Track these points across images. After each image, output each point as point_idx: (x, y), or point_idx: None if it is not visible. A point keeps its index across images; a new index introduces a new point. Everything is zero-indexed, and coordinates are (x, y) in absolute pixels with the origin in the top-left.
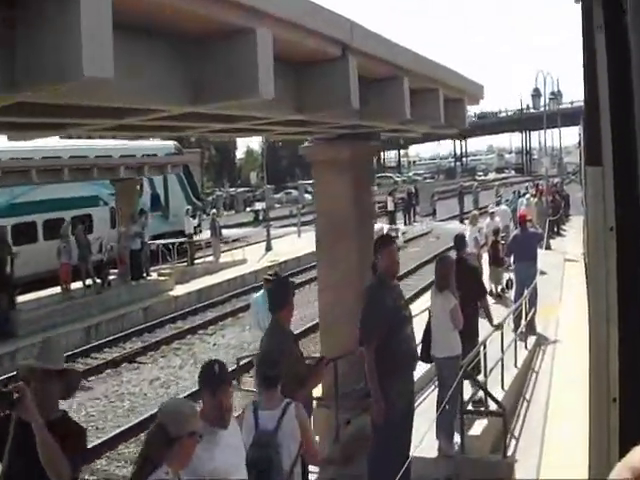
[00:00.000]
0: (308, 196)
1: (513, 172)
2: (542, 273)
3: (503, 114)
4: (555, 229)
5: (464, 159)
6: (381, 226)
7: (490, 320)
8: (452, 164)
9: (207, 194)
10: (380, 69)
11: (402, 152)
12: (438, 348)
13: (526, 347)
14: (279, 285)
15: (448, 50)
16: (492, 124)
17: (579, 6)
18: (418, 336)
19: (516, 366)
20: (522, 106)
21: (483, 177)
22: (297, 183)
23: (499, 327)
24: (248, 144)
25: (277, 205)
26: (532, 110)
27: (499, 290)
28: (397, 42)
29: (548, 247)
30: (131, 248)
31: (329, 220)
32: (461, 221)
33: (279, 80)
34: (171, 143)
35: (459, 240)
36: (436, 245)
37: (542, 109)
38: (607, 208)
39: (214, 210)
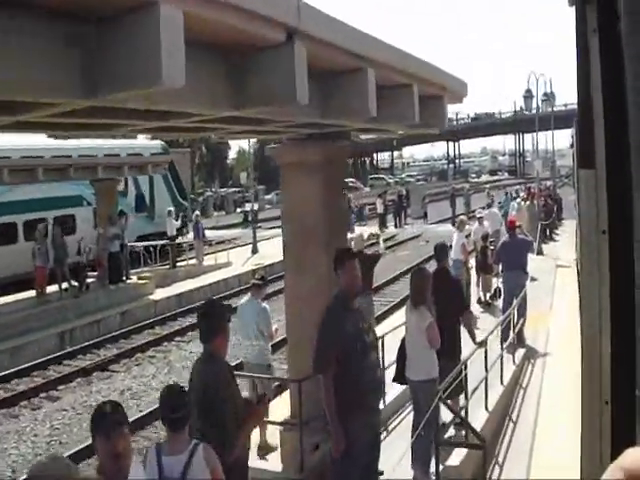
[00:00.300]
0: None
1: (506, 174)
2: (533, 279)
3: (497, 116)
4: (547, 233)
5: (457, 161)
6: (360, 232)
7: (472, 337)
8: (445, 166)
9: (198, 194)
10: (338, 59)
11: (396, 153)
12: (413, 370)
13: (514, 361)
14: (211, 311)
15: (441, 50)
16: (485, 126)
17: (573, 9)
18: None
19: (502, 383)
20: (515, 108)
21: (476, 179)
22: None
23: (482, 345)
24: (239, 144)
25: (268, 206)
26: (525, 112)
27: (488, 298)
28: (366, 31)
29: (540, 252)
30: (109, 251)
31: (297, 226)
32: (453, 224)
33: (204, 68)
34: (158, 143)
35: (439, 250)
36: (426, 249)
37: (534, 111)
38: (600, 211)
39: (197, 212)
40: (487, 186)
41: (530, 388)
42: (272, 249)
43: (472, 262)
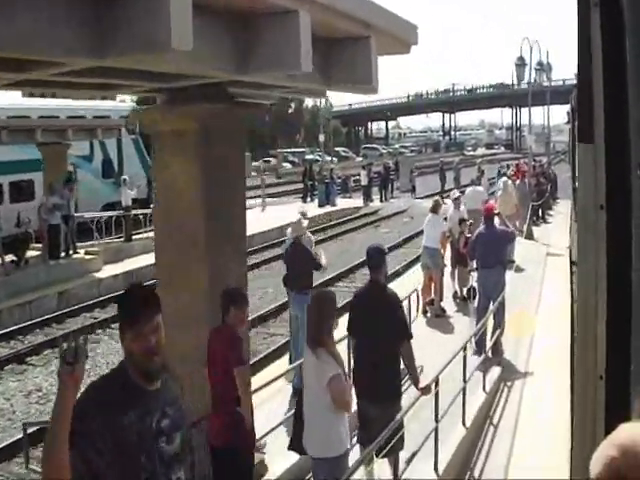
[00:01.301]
0: (288, 165)
1: (502, 148)
2: (519, 270)
3: (493, 89)
4: (540, 214)
5: (453, 133)
6: (302, 214)
7: (414, 378)
8: (448, 137)
9: None
10: None
11: (393, 124)
12: (310, 441)
13: (484, 388)
14: None
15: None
16: (482, 98)
17: None
18: None
19: (464, 424)
20: (513, 81)
21: (472, 152)
22: (276, 151)
23: (426, 391)
24: None
25: (253, 173)
26: (516, 83)
27: (464, 293)
28: None
29: (530, 236)
30: (50, 223)
31: (170, 226)
32: (441, 199)
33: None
34: (128, 105)
35: (373, 256)
36: (409, 226)
37: (527, 82)
38: (598, 186)
39: None
40: (477, 160)
41: (502, 427)
42: (248, 221)
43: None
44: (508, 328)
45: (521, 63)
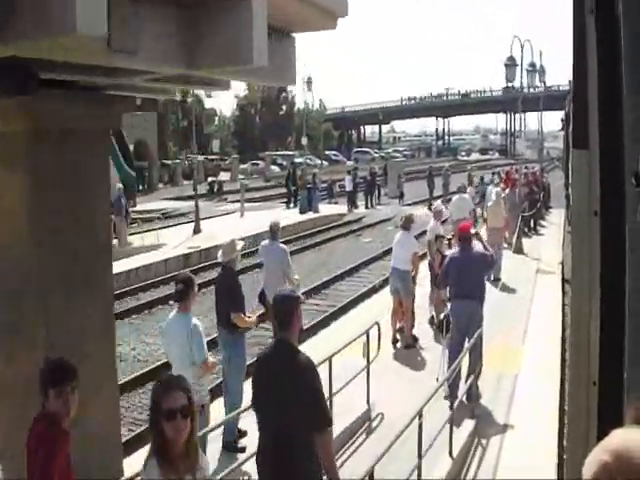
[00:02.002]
0: (276, 168)
1: (497, 154)
2: (506, 289)
3: (487, 93)
4: (532, 225)
5: (447, 138)
6: (233, 238)
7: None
8: (441, 142)
9: (164, 162)
10: None
11: (388, 127)
12: None
13: (450, 453)
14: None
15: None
16: (476, 103)
17: None
18: None
19: None
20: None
21: (465, 158)
22: (264, 154)
23: None
24: (220, 109)
25: (240, 177)
26: (509, 84)
27: (437, 321)
28: None
29: (519, 250)
30: None
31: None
32: (429, 207)
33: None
34: None
35: (282, 307)
36: (393, 236)
37: (517, 83)
38: (592, 192)
39: (119, 185)
40: (469, 166)
41: None
42: (219, 228)
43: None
44: (488, 363)
45: (511, 63)
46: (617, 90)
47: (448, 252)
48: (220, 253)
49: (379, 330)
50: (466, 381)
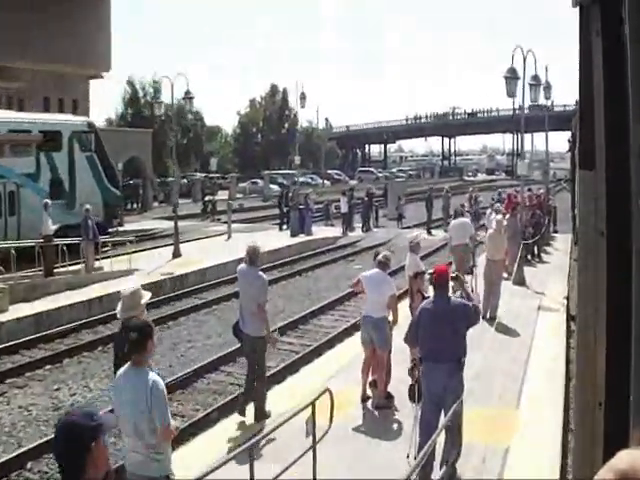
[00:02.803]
0: (275, 187)
1: (503, 174)
2: (501, 329)
3: (494, 113)
4: (536, 252)
5: (453, 158)
6: (138, 288)
7: None
8: (447, 162)
9: (165, 180)
10: None
11: (396, 147)
12: None
13: None
14: None
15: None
16: (482, 123)
17: (577, 10)
18: None
19: None
20: (514, 106)
21: (472, 178)
22: (263, 173)
23: None
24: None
25: (238, 195)
26: (511, 98)
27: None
28: None
29: (521, 281)
30: None
31: None
32: (428, 231)
33: None
34: (76, 119)
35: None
36: None
37: (520, 99)
38: (598, 213)
39: (87, 206)
40: (470, 188)
41: None
42: (202, 252)
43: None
44: (473, 433)
45: (512, 76)
46: (623, 111)
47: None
48: (119, 307)
49: (331, 399)
50: (440, 467)
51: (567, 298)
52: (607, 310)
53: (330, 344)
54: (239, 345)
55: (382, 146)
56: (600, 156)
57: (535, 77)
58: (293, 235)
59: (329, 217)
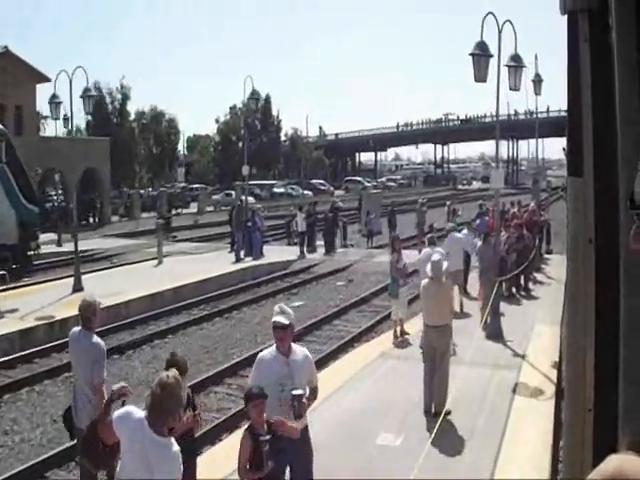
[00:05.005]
0: (251, 199)
1: None
2: (445, 443)
3: (488, 119)
4: (522, 283)
5: (447, 165)
6: None
7: None
8: (440, 170)
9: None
10: None
11: (393, 155)
12: None
13: None
14: None
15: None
16: (475, 130)
17: (565, 18)
18: None
19: None
20: (509, 112)
21: (466, 187)
22: (234, 184)
23: None
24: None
25: (209, 208)
26: (481, 82)
27: None
28: None
29: (496, 333)
30: None
31: None
32: (393, 250)
33: None
34: None
35: None
36: (339, 297)
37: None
38: (587, 220)
39: None
40: (448, 202)
41: None
42: (112, 283)
43: None
44: None
45: (481, 53)
46: (611, 117)
47: None
48: None
49: None
50: None
51: (558, 365)
52: (596, 317)
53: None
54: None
55: (382, 154)
56: (588, 162)
57: (515, 57)
58: (238, 259)
59: (291, 235)
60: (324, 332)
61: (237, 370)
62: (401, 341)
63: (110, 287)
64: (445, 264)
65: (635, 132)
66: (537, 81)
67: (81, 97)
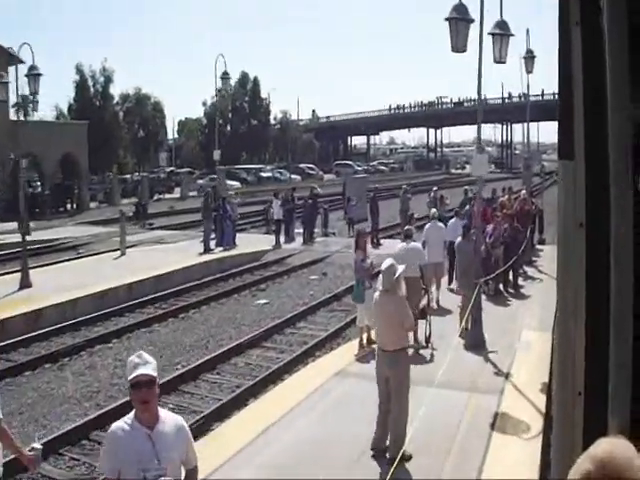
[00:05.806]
0: (236, 184)
1: (493, 167)
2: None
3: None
4: (511, 279)
5: (441, 149)
6: None
7: None
8: (433, 154)
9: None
10: None
11: (388, 139)
12: None
13: None
14: None
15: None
16: (470, 113)
17: (556, 2)
18: None
19: None
20: (503, 95)
21: (459, 171)
22: (217, 168)
23: None
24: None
25: (192, 194)
26: (454, 51)
27: None
28: None
29: (478, 343)
30: None
31: None
32: (373, 240)
33: None
34: None
35: None
36: (310, 292)
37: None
38: (577, 203)
39: None
40: (435, 188)
41: None
42: (71, 277)
43: None
44: None
45: (459, 17)
46: (602, 101)
47: None
48: None
49: None
50: None
51: (548, 388)
52: (586, 300)
53: None
54: None
55: (374, 138)
56: (579, 146)
57: (501, 24)
58: (206, 250)
59: (268, 223)
60: (285, 337)
61: (177, 385)
62: (365, 353)
63: (61, 283)
64: (400, 269)
65: (626, 115)
66: (529, 57)
67: (26, 76)
